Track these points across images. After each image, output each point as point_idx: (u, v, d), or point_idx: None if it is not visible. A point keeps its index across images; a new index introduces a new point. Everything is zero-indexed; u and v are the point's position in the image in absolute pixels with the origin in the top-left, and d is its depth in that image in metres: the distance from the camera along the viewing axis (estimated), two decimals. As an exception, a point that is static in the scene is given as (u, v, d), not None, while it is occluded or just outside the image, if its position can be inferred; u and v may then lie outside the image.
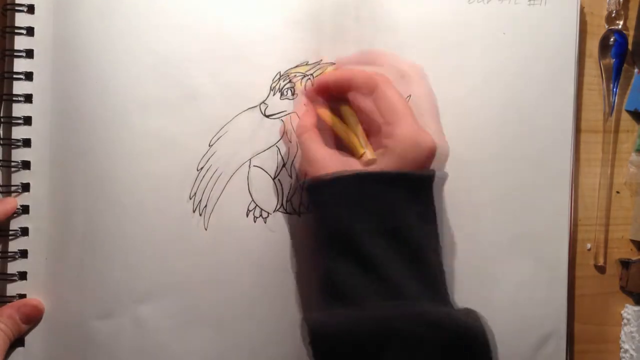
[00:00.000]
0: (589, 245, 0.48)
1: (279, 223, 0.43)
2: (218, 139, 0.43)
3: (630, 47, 0.48)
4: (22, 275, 0.42)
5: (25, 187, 0.42)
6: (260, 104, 0.43)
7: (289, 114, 0.43)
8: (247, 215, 0.43)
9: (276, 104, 0.43)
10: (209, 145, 0.43)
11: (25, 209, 0.42)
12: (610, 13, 0.48)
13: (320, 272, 0.38)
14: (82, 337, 0.42)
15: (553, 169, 0.46)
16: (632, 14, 0.49)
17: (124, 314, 0.42)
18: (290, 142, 0.42)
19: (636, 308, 0.48)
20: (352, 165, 0.39)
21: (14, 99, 0.41)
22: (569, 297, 0.46)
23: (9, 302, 0.41)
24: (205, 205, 0.43)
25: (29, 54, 0.42)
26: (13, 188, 0.42)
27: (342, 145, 0.41)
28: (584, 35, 0.48)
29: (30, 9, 0.42)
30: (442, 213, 0.44)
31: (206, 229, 0.43)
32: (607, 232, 0.49)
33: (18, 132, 0.42)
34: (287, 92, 0.43)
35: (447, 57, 0.45)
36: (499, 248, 0.45)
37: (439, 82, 0.44)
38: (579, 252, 0.48)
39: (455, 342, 0.34)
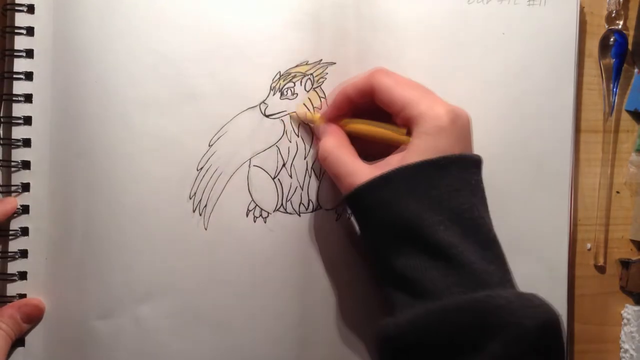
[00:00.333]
0: (589, 245, 0.48)
1: (279, 223, 0.43)
2: (218, 138, 0.43)
3: (630, 47, 0.48)
4: (22, 275, 0.42)
5: (25, 187, 0.42)
6: (260, 104, 0.43)
7: (288, 113, 0.43)
8: (247, 215, 0.43)
9: (276, 103, 0.43)
10: (209, 145, 0.43)
11: (25, 209, 0.42)
12: (610, 13, 0.48)
13: (389, 273, 0.37)
14: (82, 337, 0.42)
15: (553, 169, 0.46)
16: (632, 14, 0.49)
17: (124, 314, 0.42)
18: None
19: (636, 308, 0.48)
20: (391, 164, 0.37)
21: (14, 98, 0.41)
22: (569, 297, 0.46)
23: (9, 302, 0.41)
24: (205, 205, 0.43)
25: (29, 53, 0.42)
26: (13, 188, 0.42)
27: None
28: (584, 35, 0.48)
29: (30, 8, 0.42)
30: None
31: (206, 229, 0.43)
32: (607, 232, 0.49)
33: (18, 132, 0.42)
34: (287, 92, 0.43)
35: (446, 57, 0.45)
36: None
37: (439, 82, 0.43)
38: (579, 252, 0.48)
39: (549, 326, 0.33)
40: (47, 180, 0.42)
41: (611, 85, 0.48)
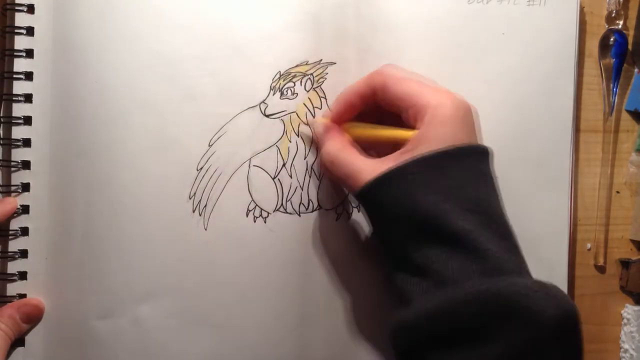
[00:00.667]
0: (589, 245, 0.48)
1: (279, 223, 0.43)
2: (218, 138, 0.43)
3: (630, 47, 0.48)
4: (22, 275, 0.42)
5: (25, 187, 0.42)
6: (260, 104, 0.43)
7: (288, 113, 0.43)
8: (247, 215, 0.43)
9: (276, 103, 0.43)
10: (209, 145, 0.43)
11: (25, 209, 0.42)
12: (610, 13, 0.48)
13: (407, 265, 0.37)
14: (82, 337, 0.42)
15: (553, 169, 0.46)
16: (632, 14, 0.49)
17: (124, 314, 0.42)
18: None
19: (636, 308, 0.48)
20: (400, 157, 0.37)
21: (14, 98, 0.41)
22: (569, 297, 0.46)
23: (9, 302, 0.41)
24: (205, 205, 0.43)
25: (29, 53, 0.42)
26: (13, 188, 0.42)
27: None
28: (584, 35, 0.48)
29: (30, 8, 0.42)
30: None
31: (206, 229, 0.43)
32: (607, 232, 0.48)
33: (18, 132, 0.42)
34: (287, 91, 0.43)
35: (446, 57, 0.45)
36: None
37: (438, 82, 0.43)
38: (579, 252, 0.48)
39: (570, 317, 0.33)
40: (47, 180, 0.42)
41: (611, 85, 0.48)
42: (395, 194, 0.36)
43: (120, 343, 0.42)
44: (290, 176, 0.44)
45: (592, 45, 0.48)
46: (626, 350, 0.48)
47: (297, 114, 0.44)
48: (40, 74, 0.42)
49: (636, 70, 0.49)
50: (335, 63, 0.44)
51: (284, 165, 0.44)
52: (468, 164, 0.37)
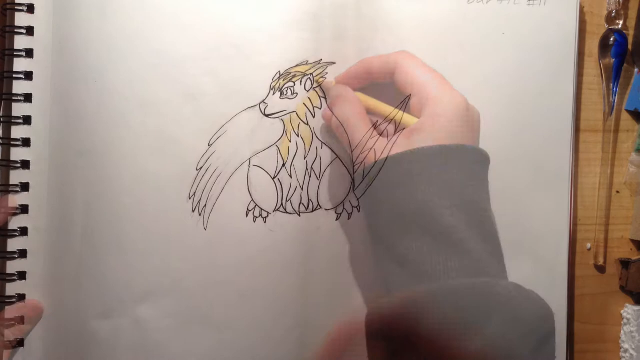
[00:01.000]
0: (589, 245, 0.48)
1: (279, 223, 0.43)
2: (218, 138, 0.43)
3: (630, 47, 0.48)
4: (22, 275, 0.42)
5: (25, 187, 0.42)
6: (260, 103, 0.43)
7: (288, 113, 0.43)
8: (247, 215, 0.43)
9: (276, 103, 0.43)
10: (209, 145, 0.43)
11: (24, 209, 0.42)
12: (610, 13, 0.48)
13: (390, 253, 0.37)
14: (81, 337, 0.42)
15: (552, 169, 0.46)
16: (632, 14, 0.49)
17: (124, 314, 0.42)
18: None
19: (636, 308, 0.48)
20: (403, 144, 0.38)
21: (13, 98, 0.41)
22: (569, 297, 0.46)
23: (9, 301, 0.41)
24: (205, 205, 0.43)
25: (29, 53, 0.42)
26: (12, 187, 0.42)
27: None
28: (584, 35, 0.48)
29: (30, 8, 0.42)
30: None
31: (206, 229, 0.43)
32: (607, 231, 0.49)
33: (17, 132, 0.42)
34: (287, 91, 0.43)
35: (446, 57, 0.45)
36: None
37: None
38: (579, 252, 0.48)
39: (543, 321, 0.34)
40: (47, 180, 0.42)
41: (611, 85, 0.48)
42: (390, 180, 0.37)
43: (120, 343, 0.42)
44: (290, 176, 0.44)
45: (592, 45, 0.48)
46: (626, 350, 0.48)
47: (297, 113, 0.44)
48: (40, 73, 0.42)
49: (636, 70, 0.49)
50: (335, 63, 0.44)
51: (283, 165, 0.44)
52: (465, 163, 0.37)
